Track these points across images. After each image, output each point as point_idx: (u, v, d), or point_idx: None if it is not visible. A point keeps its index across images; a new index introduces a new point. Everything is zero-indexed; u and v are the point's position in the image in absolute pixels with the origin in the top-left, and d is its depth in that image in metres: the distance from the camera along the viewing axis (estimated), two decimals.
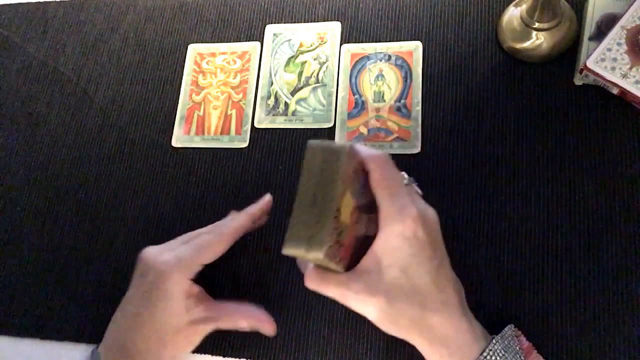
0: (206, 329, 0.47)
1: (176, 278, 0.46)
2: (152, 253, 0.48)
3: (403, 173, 0.46)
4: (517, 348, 0.41)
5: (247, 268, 0.52)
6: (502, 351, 0.39)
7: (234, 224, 0.49)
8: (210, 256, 0.47)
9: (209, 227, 0.50)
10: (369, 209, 0.42)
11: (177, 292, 0.45)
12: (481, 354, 0.38)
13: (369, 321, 0.40)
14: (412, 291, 0.38)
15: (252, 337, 0.50)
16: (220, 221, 0.50)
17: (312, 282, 0.40)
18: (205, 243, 0.48)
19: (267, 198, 0.51)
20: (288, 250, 0.38)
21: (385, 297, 0.38)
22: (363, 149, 0.40)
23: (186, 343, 0.47)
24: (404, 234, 0.38)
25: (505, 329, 0.42)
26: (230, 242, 0.48)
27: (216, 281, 0.52)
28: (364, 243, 0.41)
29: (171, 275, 0.45)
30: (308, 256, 0.37)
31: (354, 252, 0.41)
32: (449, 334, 0.39)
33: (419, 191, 0.47)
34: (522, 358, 0.40)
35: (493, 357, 0.39)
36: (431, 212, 0.41)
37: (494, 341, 0.40)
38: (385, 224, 0.39)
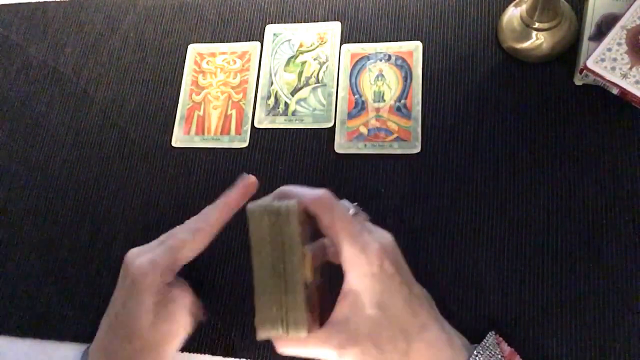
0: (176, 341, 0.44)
1: (149, 283, 0.42)
2: (131, 257, 0.44)
3: (344, 201, 0.44)
4: (500, 356, 0.41)
5: (247, 268, 0.52)
6: None
7: (210, 219, 0.44)
8: (187, 256, 0.44)
9: (187, 223, 0.45)
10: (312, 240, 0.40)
11: (148, 301, 0.42)
12: None
13: None
14: (393, 325, 0.38)
15: (252, 337, 0.50)
16: (197, 215, 0.45)
17: (287, 347, 0.39)
18: (180, 243, 0.43)
19: (249, 180, 0.45)
20: (264, 335, 0.36)
21: (371, 341, 0.37)
22: (302, 193, 0.39)
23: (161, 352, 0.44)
24: (372, 272, 0.38)
25: (486, 337, 0.42)
26: (209, 239, 0.44)
27: (216, 281, 0.52)
28: (322, 281, 0.40)
29: (145, 281, 0.42)
30: (288, 336, 0.36)
31: (319, 297, 0.39)
32: (433, 354, 0.38)
33: (366, 215, 0.45)
34: None
35: None
36: (387, 237, 0.40)
37: (475, 352, 0.40)
38: (350, 268, 0.38)
